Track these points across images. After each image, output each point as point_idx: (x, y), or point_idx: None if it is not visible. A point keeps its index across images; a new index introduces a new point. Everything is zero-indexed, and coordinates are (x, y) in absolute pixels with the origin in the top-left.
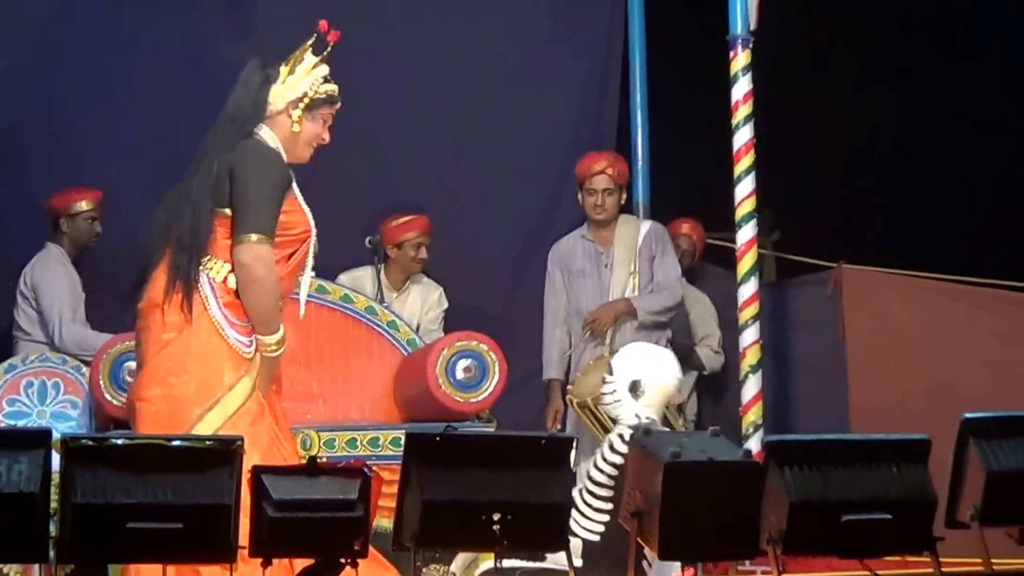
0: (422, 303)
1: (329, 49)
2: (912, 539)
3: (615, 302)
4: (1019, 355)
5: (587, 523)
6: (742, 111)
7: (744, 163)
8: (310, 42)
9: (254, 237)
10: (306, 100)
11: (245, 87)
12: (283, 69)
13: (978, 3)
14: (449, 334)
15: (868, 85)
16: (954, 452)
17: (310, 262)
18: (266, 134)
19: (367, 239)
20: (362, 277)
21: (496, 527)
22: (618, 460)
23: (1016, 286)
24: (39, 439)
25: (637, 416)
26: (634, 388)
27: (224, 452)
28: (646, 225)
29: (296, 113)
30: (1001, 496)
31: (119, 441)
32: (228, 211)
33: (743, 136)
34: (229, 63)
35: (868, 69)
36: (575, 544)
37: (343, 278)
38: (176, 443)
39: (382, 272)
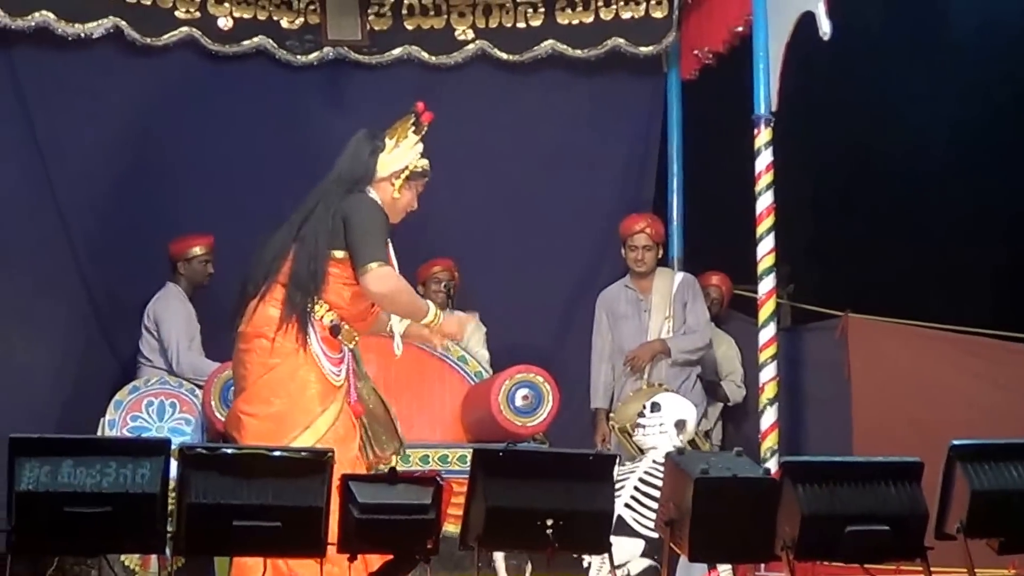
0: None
1: (425, 129)
2: (906, 548)
3: (652, 342)
4: (997, 393)
5: (647, 522)
6: (764, 180)
7: (765, 224)
8: (411, 120)
9: (374, 265)
10: (407, 172)
11: (355, 153)
12: (388, 141)
13: (981, 71)
14: (510, 367)
15: (869, 160)
16: (943, 473)
17: None
18: (372, 194)
19: (443, 284)
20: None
21: (549, 531)
22: None
23: (995, 334)
24: (160, 448)
25: (673, 447)
26: (680, 426)
27: (318, 462)
28: (680, 276)
29: (398, 182)
30: (983, 512)
31: (228, 450)
32: (339, 254)
33: (765, 201)
34: (322, 130)
35: (869, 145)
36: (637, 543)
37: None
38: (277, 453)
39: None
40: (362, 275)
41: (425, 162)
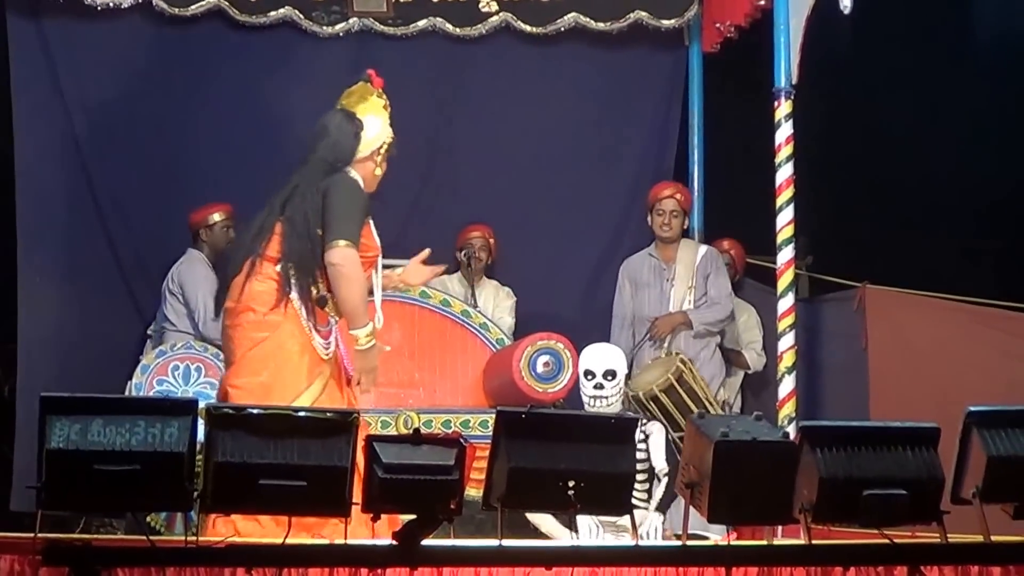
0: (494, 299)
1: (386, 100)
2: (923, 512)
3: (674, 314)
4: (1014, 365)
5: (638, 494)
6: (784, 152)
7: (784, 196)
8: (373, 92)
9: (343, 243)
10: (384, 147)
11: (339, 135)
12: (366, 119)
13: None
14: (531, 334)
15: (889, 135)
16: (959, 439)
17: (378, 278)
18: (353, 173)
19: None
20: (448, 280)
21: (571, 492)
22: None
23: (1010, 306)
24: (188, 407)
25: (620, 405)
26: (626, 379)
27: (342, 422)
28: (703, 249)
29: (379, 159)
30: (999, 478)
31: (254, 410)
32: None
33: (784, 173)
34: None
35: (888, 120)
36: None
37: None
38: (302, 414)
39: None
40: (329, 247)
41: (391, 131)
